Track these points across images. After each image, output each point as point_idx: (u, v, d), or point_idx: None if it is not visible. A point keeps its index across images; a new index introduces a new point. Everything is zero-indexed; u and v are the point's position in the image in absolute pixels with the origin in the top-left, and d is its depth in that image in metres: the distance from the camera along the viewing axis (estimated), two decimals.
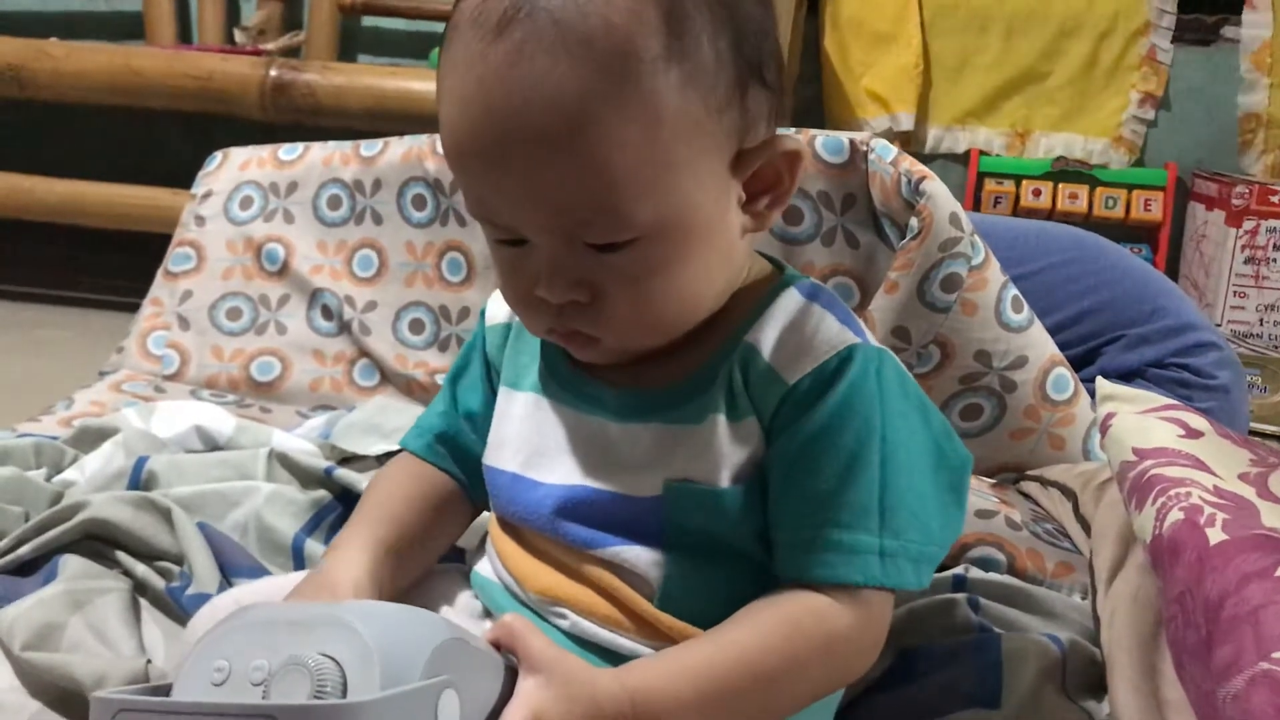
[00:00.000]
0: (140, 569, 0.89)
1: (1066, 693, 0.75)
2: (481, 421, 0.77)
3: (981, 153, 2.65)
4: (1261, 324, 2.40)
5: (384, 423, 1.21)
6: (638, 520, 0.65)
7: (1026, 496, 1.13)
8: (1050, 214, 2.58)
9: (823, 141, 1.21)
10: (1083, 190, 2.59)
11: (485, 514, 0.77)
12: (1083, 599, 0.92)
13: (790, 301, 0.65)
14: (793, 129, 1.24)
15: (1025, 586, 0.89)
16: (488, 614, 0.71)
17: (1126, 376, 1.27)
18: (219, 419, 1.13)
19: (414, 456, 0.78)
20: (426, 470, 0.77)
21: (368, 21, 2.79)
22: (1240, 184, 2.34)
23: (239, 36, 2.62)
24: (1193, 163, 2.59)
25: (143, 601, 0.88)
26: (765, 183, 0.64)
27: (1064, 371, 1.18)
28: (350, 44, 2.76)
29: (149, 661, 0.75)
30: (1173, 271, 2.65)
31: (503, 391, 0.74)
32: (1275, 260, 2.33)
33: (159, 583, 0.87)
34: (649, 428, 0.65)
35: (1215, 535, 0.69)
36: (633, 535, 0.65)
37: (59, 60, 2.13)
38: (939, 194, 1.15)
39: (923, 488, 0.63)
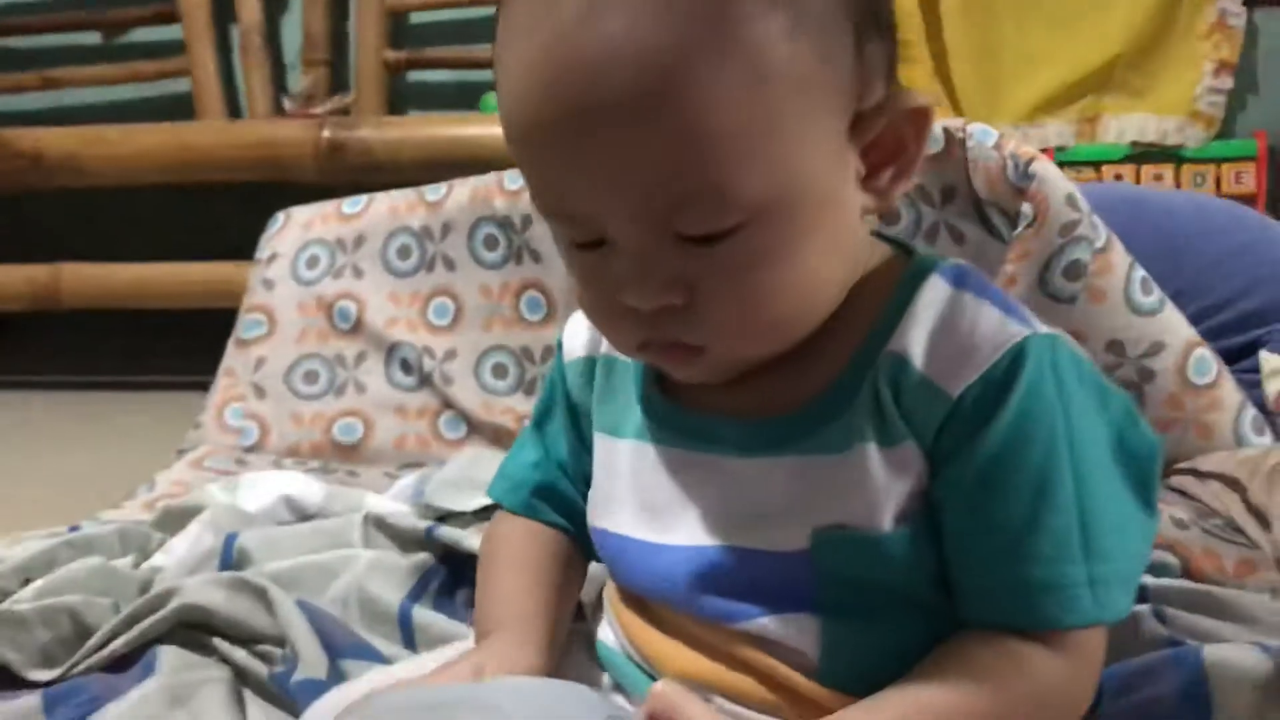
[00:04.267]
0: (239, 655, 0.82)
1: None
2: (574, 470, 0.69)
3: (1056, 149, 2.53)
4: None
5: (478, 475, 1.14)
6: (784, 582, 0.56)
7: (1182, 493, 1.03)
8: None
9: None
10: (1168, 169, 2.46)
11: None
12: (1272, 599, 0.82)
13: (935, 294, 0.55)
14: None
15: (1213, 590, 0.80)
16: (618, 687, 0.63)
17: None
18: (307, 487, 1.07)
19: (515, 515, 0.70)
20: (535, 529, 0.69)
21: (414, 76, 2.75)
22: None
23: (288, 104, 2.60)
24: None
25: (246, 691, 0.81)
26: (887, 151, 0.55)
27: (1204, 353, 1.08)
28: (399, 101, 2.73)
29: None
30: None
31: (600, 440, 0.66)
32: None
33: (261, 669, 0.80)
34: (782, 462, 0.56)
35: None
36: (779, 601, 0.56)
37: (115, 145, 2.12)
38: (1051, 175, 1.07)
39: (1115, 491, 0.54)
